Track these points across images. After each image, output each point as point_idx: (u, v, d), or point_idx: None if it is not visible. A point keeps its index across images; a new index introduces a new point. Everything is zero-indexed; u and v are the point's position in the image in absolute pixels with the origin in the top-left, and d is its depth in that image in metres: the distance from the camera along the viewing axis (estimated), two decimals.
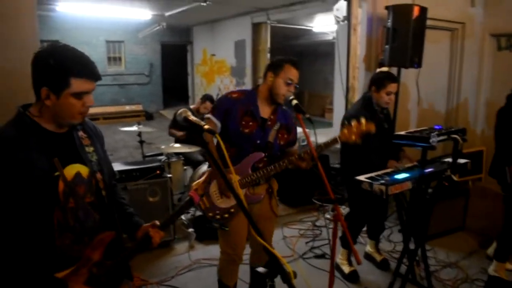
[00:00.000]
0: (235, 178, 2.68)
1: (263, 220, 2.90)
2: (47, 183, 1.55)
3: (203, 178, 1.74)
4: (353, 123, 2.61)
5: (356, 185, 3.02)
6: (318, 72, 16.16)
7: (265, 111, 2.78)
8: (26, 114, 1.60)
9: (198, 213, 4.70)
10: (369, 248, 4.03)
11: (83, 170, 1.68)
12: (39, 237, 1.58)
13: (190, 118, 1.64)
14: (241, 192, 2.69)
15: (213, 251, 4.13)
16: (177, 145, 4.92)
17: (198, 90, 15.74)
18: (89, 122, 1.85)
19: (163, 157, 4.90)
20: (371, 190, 2.87)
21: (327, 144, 2.71)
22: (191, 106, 5.92)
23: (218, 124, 2.71)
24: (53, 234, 1.60)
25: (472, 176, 5.24)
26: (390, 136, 3.27)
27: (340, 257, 3.77)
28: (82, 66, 1.56)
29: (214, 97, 5.97)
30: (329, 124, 11.82)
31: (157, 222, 1.78)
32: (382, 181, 2.87)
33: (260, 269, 1.44)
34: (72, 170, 1.64)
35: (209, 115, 2.74)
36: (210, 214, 2.73)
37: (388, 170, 3.18)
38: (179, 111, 1.73)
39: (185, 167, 5.25)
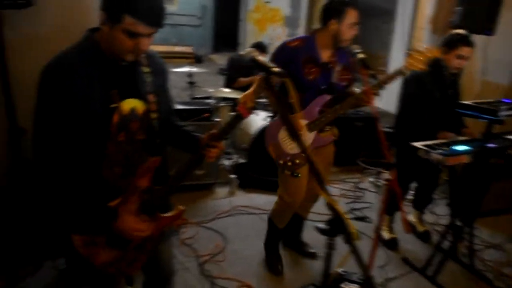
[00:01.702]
0: (302, 123, 2.70)
1: (323, 167, 2.92)
2: (103, 113, 1.53)
3: (251, 89, 1.63)
4: (417, 50, 2.51)
5: (410, 151, 2.90)
6: (374, 30, 15.45)
7: (325, 55, 2.75)
8: (92, 38, 1.56)
9: (241, 160, 4.70)
10: (412, 218, 3.93)
11: (139, 106, 1.64)
12: (88, 166, 1.58)
13: (258, 59, 1.54)
14: (308, 138, 2.73)
15: (254, 199, 4.16)
16: (227, 89, 4.85)
17: (249, 37, 15.44)
18: (157, 57, 1.78)
19: (211, 101, 4.85)
20: (427, 158, 2.74)
21: (390, 77, 2.65)
22: (240, 53, 5.78)
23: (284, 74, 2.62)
24: (101, 166, 1.60)
25: None
26: (453, 105, 3.09)
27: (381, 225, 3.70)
28: (143, 7, 1.43)
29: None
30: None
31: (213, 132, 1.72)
32: (440, 151, 2.74)
33: (321, 226, 1.39)
34: (128, 104, 1.60)
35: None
36: (281, 162, 2.78)
37: (447, 140, 3.02)
38: (246, 51, 1.62)
39: (232, 113, 5.19)
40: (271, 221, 3.12)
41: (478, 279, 3.25)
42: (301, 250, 3.35)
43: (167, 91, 1.83)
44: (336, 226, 1.37)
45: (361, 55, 2.48)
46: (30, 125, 1.54)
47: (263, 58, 1.55)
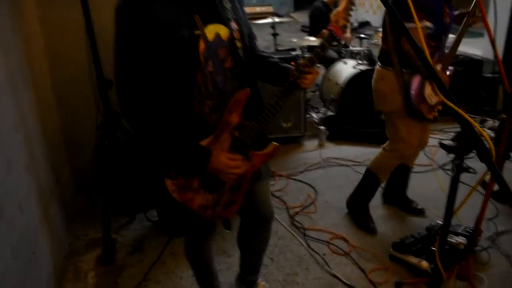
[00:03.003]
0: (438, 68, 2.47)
1: None
2: (189, 41, 1.41)
3: (342, 5, 1.48)
4: None
5: None
6: None
7: None
8: None
9: (330, 113, 4.49)
10: None
11: (223, 31, 1.51)
12: (179, 102, 1.49)
13: None
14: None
15: (344, 151, 3.98)
16: (312, 38, 4.60)
17: None
18: None
19: (297, 52, 4.64)
20: None
21: None
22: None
23: (430, 25, 2.37)
24: (192, 101, 1.49)
25: None
26: None
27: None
28: None
29: None
30: (479, 34, 10.34)
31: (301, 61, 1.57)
32: None
33: (447, 142, 1.15)
34: (212, 30, 1.48)
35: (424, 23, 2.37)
36: (430, 116, 2.59)
37: None
38: None
39: (317, 65, 4.95)
40: (370, 173, 2.87)
41: None
42: (408, 207, 3.10)
43: (245, 16, 1.68)
44: (466, 142, 1.11)
45: None
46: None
47: None
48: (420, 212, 3.05)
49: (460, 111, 1.05)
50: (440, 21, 2.38)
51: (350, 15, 1.52)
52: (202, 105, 1.52)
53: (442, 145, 1.15)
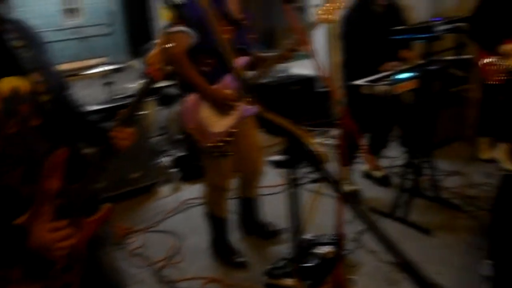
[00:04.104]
0: (228, 93, 2.39)
1: (253, 133, 2.70)
2: None
3: (157, 47, 1.43)
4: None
5: (355, 92, 2.69)
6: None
7: (235, 10, 2.45)
8: None
9: (180, 153, 4.35)
10: (367, 166, 3.75)
11: (23, 84, 1.27)
12: None
13: None
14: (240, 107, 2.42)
15: (201, 190, 3.81)
16: None
17: None
18: (29, 27, 1.40)
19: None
20: (371, 93, 2.54)
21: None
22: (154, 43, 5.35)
23: (193, 34, 2.27)
24: None
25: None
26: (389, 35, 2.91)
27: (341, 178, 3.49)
28: None
29: None
30: (306, 56, 11.26)
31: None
32: (384, 83, 2.54)
33: (277, 158, 1.09)
34: (7, 84, 1.23)
35: (179, 27, 2.26)
36: (210, 144, 2.41)
37: (388, 73, 2.84)
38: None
39: (158, 108, 4.80)
40: (210, 214, 2.79)
41: (448, 208, 3.14)
42: (265, 232, 3.02)
43: (53, 67, 1.45)
44: (296, 153, 1.06)
45: None
46: None
47: None
48: (279, 233, 3.01)
49: (282, 122, 0.98)
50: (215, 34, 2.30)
51: (164, 58, 1.46)
52: (10, 175, 1.24)
53: (272, 162, 1.09)
